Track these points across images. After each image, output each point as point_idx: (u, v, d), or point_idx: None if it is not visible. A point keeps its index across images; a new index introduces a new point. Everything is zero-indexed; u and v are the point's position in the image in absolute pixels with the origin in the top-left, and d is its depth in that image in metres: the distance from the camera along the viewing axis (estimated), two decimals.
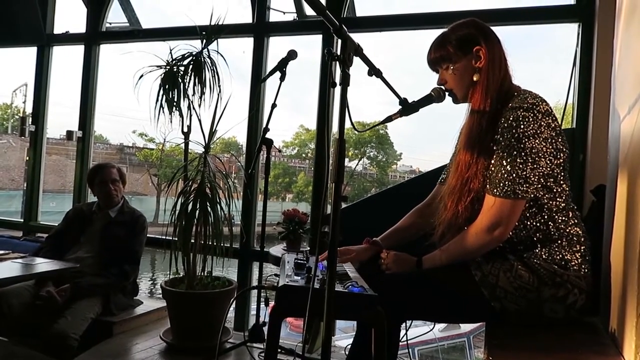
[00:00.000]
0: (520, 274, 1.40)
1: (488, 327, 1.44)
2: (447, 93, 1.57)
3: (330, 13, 1.16)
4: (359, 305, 1.30)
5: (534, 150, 1.37)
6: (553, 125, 1.40)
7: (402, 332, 1.64)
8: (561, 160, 1.43)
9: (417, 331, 2.02)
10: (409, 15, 2.95)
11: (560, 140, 1.42)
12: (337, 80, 1.19)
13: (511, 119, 1.39)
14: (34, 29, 3.63)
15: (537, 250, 1.43)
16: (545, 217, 1.43)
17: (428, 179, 1.72)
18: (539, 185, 1.40)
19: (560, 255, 1.41)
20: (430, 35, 1.60)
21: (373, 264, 1.69)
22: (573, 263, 1.40)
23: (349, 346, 1.59)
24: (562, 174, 1.44)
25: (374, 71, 1.40)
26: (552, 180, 1.42)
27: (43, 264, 2.32)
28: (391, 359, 1.46)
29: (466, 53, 1.51)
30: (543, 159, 1.38)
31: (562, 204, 1.44)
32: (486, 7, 2.71)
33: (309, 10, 3.13)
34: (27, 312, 2.39)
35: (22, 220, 3.90)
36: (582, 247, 1.43)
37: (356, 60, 1.26)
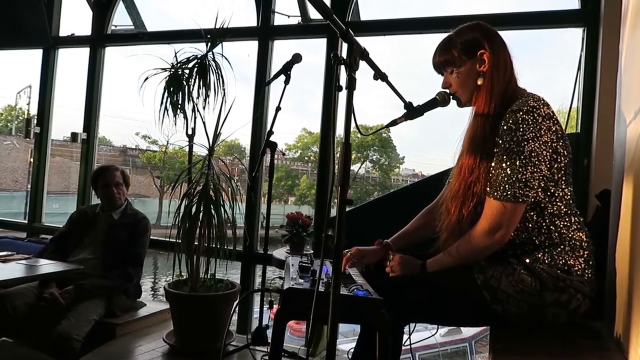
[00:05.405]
0: (523, 278, 1.39)
1: (492, 332, 1.44)
2: (451, 97, 1.57)
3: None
4: (364, 308, 1.30)
5: (533, 154, 1.36)
6: (554, 129, 1.39)
7: (405, 337, 1.64)
8: (562, 164, 1.42)
9: (418, 336, 2.01)
10: (413, 19, 2.95)
11: (561, 143, 1.41)
12: (343, 83, 1.19)
13: (511, 122, 1.38)
14: (40, 31, 3.65)
15: (539, 255, 1.42)
16: (547, 220, 1.43)
17: (436, 181, 1.72)
18: (539, 189, 1.40)
19: (563, 261, 1.40)
20: (435, 39, 1.60)
21: (378, 266, 1.69)
22: (576, 268, 1.39)
23: (351, 350, 1.59)
24: (564, 178, 1.43)
25: (379, 75, 1.40)
26: (552, 184, 1.42)
27: (47, 266, 2.33)
28: None
29: (470, 57, 1.50)
30: (543, 163, 1.37)
31: (564, 209, 1.43)
32: (491, 12, 2.71)
33: (313, 14, 3.14)
34: (31, 313, 2.40)
35: (26, 221, 3.92)
36: (585, 252, 1.42)
37: (360, 64, 1.26)
